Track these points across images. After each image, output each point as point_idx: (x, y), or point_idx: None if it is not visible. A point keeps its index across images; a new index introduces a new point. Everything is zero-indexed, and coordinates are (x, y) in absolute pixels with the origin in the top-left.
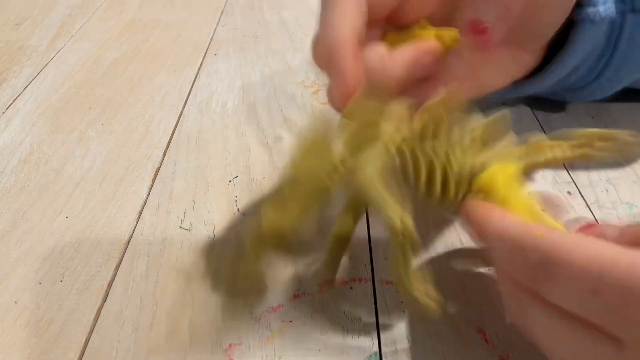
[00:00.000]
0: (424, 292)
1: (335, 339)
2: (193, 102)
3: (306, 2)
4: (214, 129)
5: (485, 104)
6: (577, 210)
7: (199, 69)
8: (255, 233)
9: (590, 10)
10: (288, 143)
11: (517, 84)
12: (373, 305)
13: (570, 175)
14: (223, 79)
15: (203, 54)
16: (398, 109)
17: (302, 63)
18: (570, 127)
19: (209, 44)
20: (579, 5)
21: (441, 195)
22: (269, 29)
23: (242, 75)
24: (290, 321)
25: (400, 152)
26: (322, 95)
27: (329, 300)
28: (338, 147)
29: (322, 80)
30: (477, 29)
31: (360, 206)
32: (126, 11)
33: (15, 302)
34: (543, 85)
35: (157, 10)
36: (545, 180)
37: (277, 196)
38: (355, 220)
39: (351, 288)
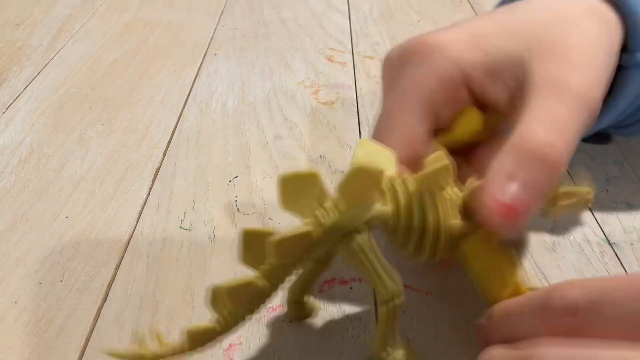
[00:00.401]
0: None
1: (335, 339)
2: (193, 102)
3: (306, 2)
4: (214, 129)
5: None
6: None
7: (199, 69)
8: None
9: (638, 55)
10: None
11: None
12: (373, 306)
13: (570, 175)
14: (223, 79)
15: (203, 54)
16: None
17: (302, 63)
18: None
19: (209, 44)
20: (624, 50)
21: (429, 255)
22: (269, 29)
23: (242, 75)
24: (291, 321)
25: (395, 201)
26: (322, 95)
27: (329, 300)
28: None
29: (322, 80)
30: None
31: (332, 255)
32: (126, 11)
33: (15, 302)
34: (592, 129)
35: (157, 10)
36: None
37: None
38: (324, 268)
39: (351, 288)
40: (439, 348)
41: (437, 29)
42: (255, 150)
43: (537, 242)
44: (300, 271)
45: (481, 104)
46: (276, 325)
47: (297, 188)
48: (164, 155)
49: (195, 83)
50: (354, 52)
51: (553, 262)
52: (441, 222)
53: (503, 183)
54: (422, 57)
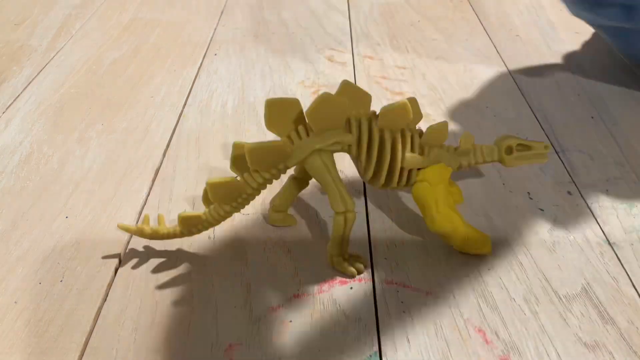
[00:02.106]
0: (350, 270)
1: (335, 339)
2: (193, 102)
3: (306, 2)
4: (214, 129)
5: None
6: (578, 210)
7: (199, 69)
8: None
9: None
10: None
11: None
12: (373, 305)
13: (570, 175)
14: (223, 79)
15: (203, 54)
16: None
17: (302, 63)
18: (569, 124)
19: (209, 44)
20: None
21: (384, 182)
22: (269, 29)
23: (242, 75)
24: (290, 321)
25: (359, 131)
26: None
27: (329, 300)
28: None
29: (322, 80)
30: None
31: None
32: (126, 11)
33: (15, 302)
34: None
35: (157, 10)
36: (546, 181)
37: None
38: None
39: (351, 288)
40: (439, 348)
41: (435, 28)
42: None
43: (537, 242)
44: (283, 184)
45: None
46: (276, 325)
47: (280, 111)
48: (164, 155)
49: (195, 83)
50: (354, 52)
51: (553, 262)
52: (397, 153)
53: None
54: None
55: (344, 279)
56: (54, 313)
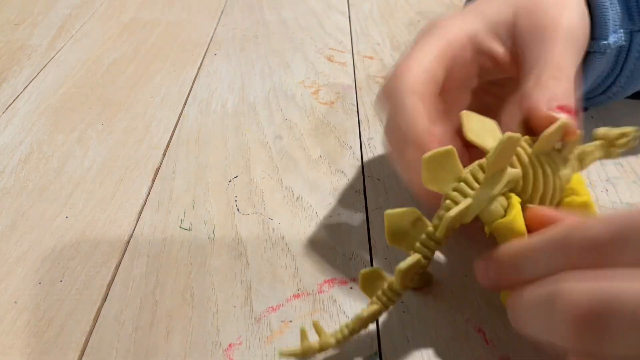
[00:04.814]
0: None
1: None
2: (193, 102)
3: (306, 2)
4: (214, 129)
5: None
6: None
7: (199, 69)
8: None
9: (602, 43)
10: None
11: None
12: None
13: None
14: (223, 79)
15: (203, 54)
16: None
17: (302, 63)
18: None
19: (209, 44)
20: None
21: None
22: (269, 29)
23: (242, 75)
24: (290, 321)
25: (523, 167)
26: (322, 95)
27: (329, 301)
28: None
29: (322, 80)
30: (567, 111)
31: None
32: (126, 11)
33: (15, 302)
34: None
35: (157, 10)
36: None
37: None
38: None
39: (351, 288)
40: (439, 348)
41: None
42: (255, 150)
43: None
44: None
45: (487, 60)
46: (276, 325)
47: (436, 166)
48: (164, 155)
49: (195, 83)
50: (354, 52)
51: None
52: (556, 174)
53: (545, 99)
54: (433, 29)
55: (343, 279)
56: (54, 313)
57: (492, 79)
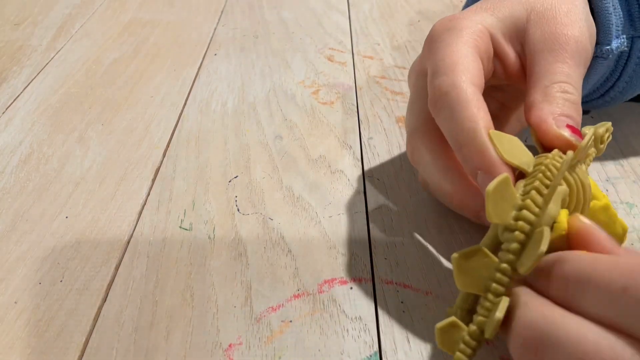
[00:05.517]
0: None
1: (335, 339)
2: (193, 102)
3: (306, 2)
4: (214, 129)
5: None
6: None
7: (199, 69)
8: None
9: (605, 48)
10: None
11: None
12: (373, 305)
13: None
14: (223, 79)
15: (203, 54)
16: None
17: (302, 63)
18: None
19: (209, 44)
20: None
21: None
22: (269, 29)
23: (242, 75)
24: (290, 321)
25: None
26: (322, 95)
27: (329, 300)
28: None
29: (322, 80)
30: (573, 131)
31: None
32: (126, 11)
33: (15, 302)
34: None
35: (157, 10)
36: None
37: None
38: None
39: (351, 288)
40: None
41: None
42: (255, 150)
43: None
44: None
45: (497, 62)
46: (276, 325)
47: (499, 197)
48: (164, 155)
49: (195, 83)
50: (354, 52)
51: None
52: (585, 184)
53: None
54: (455, 22)
55: (344, 279)
56: (54, 313)
57: (495, 84)
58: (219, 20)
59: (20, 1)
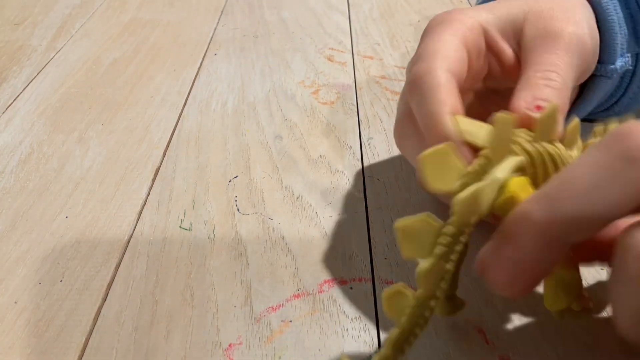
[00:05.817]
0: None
1: (335, 339)
2: (193, 102)
3: (306, 2)
4: (214, 129)
5: None
6: None
7: (199, 69)
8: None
9: (609, 67)
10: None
11: None
12: (373, 305)
13: None
14: (223, 79)
15: (203, 54)
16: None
17: (302, 63)
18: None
19: (209, 44)
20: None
21: None
22: (269, 29)
23: (242, 75)
24: (290, 321)
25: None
26: (322, 95)
27: (329, 300)
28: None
29: (322, 80)
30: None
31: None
32: (126, 11)
33: (15, 302)
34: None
35: (157, 10)
36: None
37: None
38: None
39: (351, 288)
40: (439, 348)
41: None
42: (255, 150)
43: None
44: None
45: (494, 60)
46: (276, 325)
47: (437, 164)
48: (164, 155)
49: (195, 83)
50: (354, 52)
51: None
52: (565, 163)
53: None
54: (447, 19)
55: (344, 279)
56: (54, 313)
57: (495, 87)
58: (219, 20)
59: (20, 1)
